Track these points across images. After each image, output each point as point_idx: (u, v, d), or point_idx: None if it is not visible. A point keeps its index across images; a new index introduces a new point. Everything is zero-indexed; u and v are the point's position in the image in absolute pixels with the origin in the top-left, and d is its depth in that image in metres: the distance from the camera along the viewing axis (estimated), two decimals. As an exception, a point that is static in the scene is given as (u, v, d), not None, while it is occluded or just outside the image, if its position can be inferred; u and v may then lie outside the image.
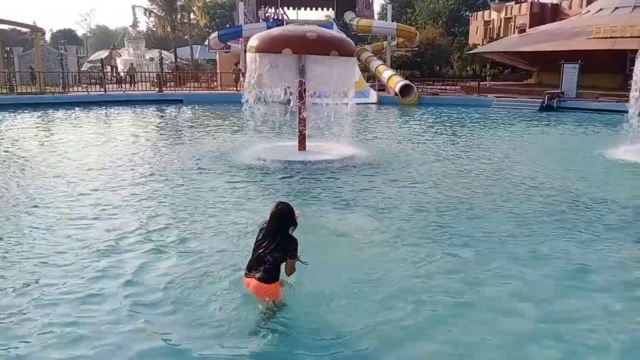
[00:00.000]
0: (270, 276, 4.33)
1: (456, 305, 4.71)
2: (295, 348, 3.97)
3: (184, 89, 29.70)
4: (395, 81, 28.52)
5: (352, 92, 12.59)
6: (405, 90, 27.66)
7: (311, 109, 12.58)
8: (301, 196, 8.48)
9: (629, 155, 12.47)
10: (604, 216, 7.64)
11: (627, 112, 14.16)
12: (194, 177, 9.84)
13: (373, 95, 28.42)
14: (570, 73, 26.34)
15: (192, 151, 12.57)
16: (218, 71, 34.88)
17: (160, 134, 16.23)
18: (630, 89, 14.19)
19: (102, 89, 27.19)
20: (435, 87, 32.50)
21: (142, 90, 28.28)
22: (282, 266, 4.45)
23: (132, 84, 31.28)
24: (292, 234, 4.46)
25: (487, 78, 36.49)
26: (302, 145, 12.41)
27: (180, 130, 17.00)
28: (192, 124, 18.59)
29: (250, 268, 4.45)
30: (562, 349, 4.06)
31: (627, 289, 5.13)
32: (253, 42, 11.47)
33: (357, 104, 15.25)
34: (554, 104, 25.40)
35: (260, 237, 4.47)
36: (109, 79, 31.36)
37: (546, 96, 25.80)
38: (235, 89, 28.98)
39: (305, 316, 4.40)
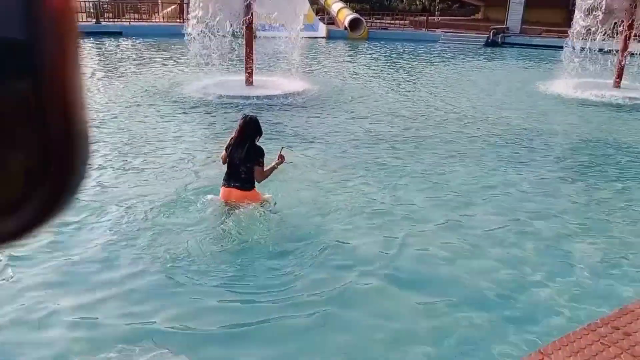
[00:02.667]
0: (249, 184, 4.79)
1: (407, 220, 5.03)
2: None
3: (124, 20, 28.06)
4: (344, 14, 27.96)
5: (301, 24, 12.31)
6: (354, 24, 27.23)
7: (259, 42, 12.26)
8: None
9: (563, 89, 13.09)
10: (534, 143, 8.21)
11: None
12: (134, 112, 9.57)
13: (322, 29, 27.83)
14: (515, 7, 26.61)
15: (132, 86, 12.11)
16: (159, 1, 32.97)
17: (98, 68, 15.40)
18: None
19: (32, 19, 25.33)
20: (384, 21, 32.15)
21: (77, 22, 26.52)
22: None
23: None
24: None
25: (436, 13, 36.38)
26: (249, 80, 12.19)
27: (119, 64, 16.23)
28: (133, 58, 17.74)
29: (229, 179, 4.79)
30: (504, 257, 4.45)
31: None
32: (195, -31, 10.92)
33: (306, 37, 14.99)
34: (499, 40, 25.78)
35: (231, 150, 4.77)
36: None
37: (491, 32, 26.08)
38: (178, 20, 27.64)
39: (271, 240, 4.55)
